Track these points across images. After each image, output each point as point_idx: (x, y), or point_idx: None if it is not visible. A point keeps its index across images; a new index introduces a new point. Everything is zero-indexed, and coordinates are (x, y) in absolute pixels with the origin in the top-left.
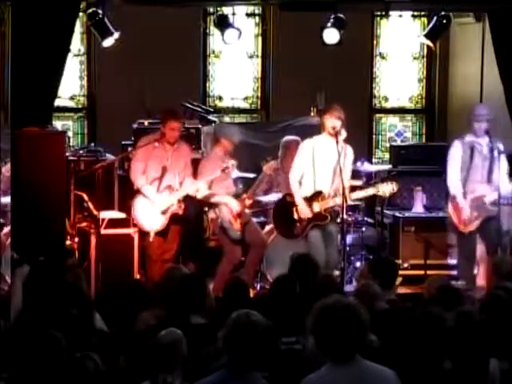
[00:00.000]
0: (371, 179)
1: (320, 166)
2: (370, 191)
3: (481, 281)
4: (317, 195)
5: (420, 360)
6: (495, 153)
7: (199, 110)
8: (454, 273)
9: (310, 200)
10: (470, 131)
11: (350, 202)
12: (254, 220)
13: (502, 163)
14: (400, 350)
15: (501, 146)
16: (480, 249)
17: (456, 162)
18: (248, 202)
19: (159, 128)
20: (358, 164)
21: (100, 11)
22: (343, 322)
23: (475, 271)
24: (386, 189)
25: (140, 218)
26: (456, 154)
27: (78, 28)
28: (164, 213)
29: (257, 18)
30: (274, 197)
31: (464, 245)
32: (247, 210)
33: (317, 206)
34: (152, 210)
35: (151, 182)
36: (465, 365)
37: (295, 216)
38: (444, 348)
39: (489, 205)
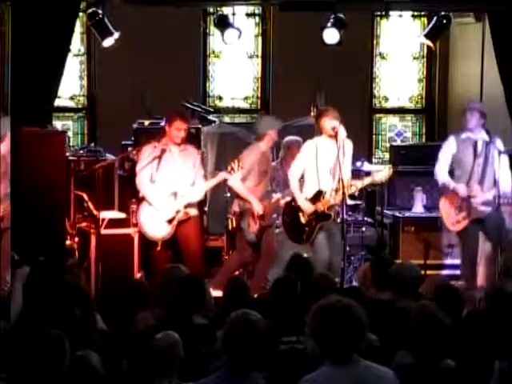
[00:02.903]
0: None
1: (322, 167)
2: (366, 181)
3: (481, 281)
4: (318, 195)
5: (420, 360)
6: (494, 152)
7: (199, 109)
8: (454, 273)
9: (312, 201)
10: (465, 128)
11: (349, 202)
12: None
13: (503, 161)
14: (399, 350)
15: (500, 145)
16: (481, 249)
17: (445, 157)
18: (282, 201)
19: (161, 128)
20: (358, 164)
21: (100, 11)
22: (342, 323)
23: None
24: (382, 175)
25: (145, 227)
26: (447, 149)
27: (78, 28)
28: (170, 222)
29: (257, 17)
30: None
31: (466, 244)
32: (274, 215)
33: (320, 206)
34: (157, 218)
35: (148, 171)
36: (468, 364)
37: (302, 221)
38: (444, 347)
39: (478, 206)
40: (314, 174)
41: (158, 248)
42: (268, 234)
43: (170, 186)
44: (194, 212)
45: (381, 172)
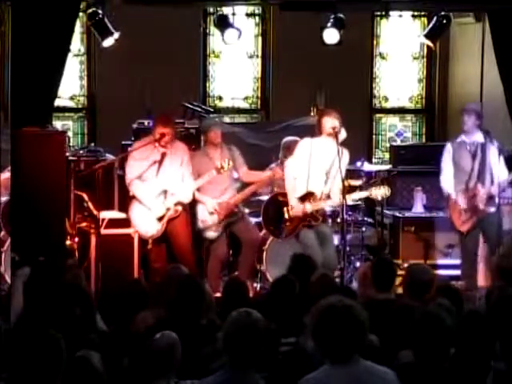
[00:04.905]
0: (371, 179)
1: (315, 168)
2: (363, 194)
3: (481, 281)
4: (308, 196)
5: (419, 359)
6: (491, 152)
7: (199, 109)
8: (454, 273)
9: (301, 200)
10: (462, 130)
11: (349, 201)
12: (252, 219)
13: (501, 162)
14: (399, 350)
15: (493, 147)
16: (481, 249)
17: (447, 165)
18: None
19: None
20: (358, 164)
21: (100, 11)
22: (342, 323)
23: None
24: (378, 192)
25: (136, 224)
26: (447, 157)
27: (78, 28)
28: (160, 219)
29: (257, 18)
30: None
31: (465, 244)
32: (246, 209)
33: (308, 207)
34: (148, 216)
35: (146, 179)
36: (466, 363)
37: (286, 216)
38: (444, 347)
39: (481, 203)
40: (305, 173)
41: (149, 246)
42: (242, 226)
43: (159, 184)
44: (180, 208)
45: (378, 190)
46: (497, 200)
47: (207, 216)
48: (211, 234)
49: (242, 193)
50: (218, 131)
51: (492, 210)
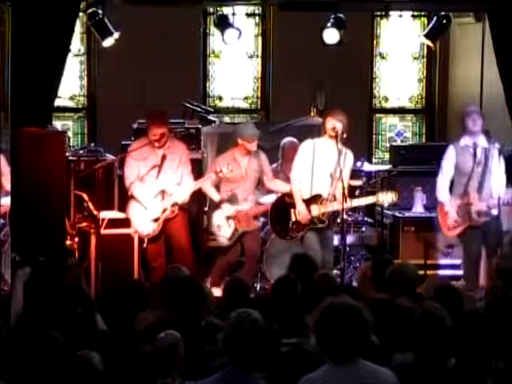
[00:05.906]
0: (371, 179)
1: (318, 169)
2: (370, 200)
3: (481, 281)
4: (316, 198)
5: (421, 359)
6: (494, 156)
7: (199, 109)
8: (454, 273)
9: (308, 202)
10: (465, 133)
11: (349, 205)
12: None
13: (501, 165)
14: (399, 350)
15: (496, 150)
16: (482, 249)
17: (447, 169)
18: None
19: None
20: (358, 164)
21: (100, 11)
22: (346, 323)
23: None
24: (386, 198)
25: (133, 224)
26: (448, 160)
27: (78, 28)
28: (156, 219)
29: (257, 17)
30: (273, 198)
31: (467, 247)
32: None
33: (315, 210)
34: (145, 216)
35: (146, 180)
36: (467, 364)
37: (293, 218)
38: (445, 347)
39: (474, 214)
40: (309, 176)
41: (145, 245)
42: (250, 239)
43: (158, 185)
44: (176, 208)
45: (386, 196)
46: (496, 212)
47: (223, 221)
48: (224, 242)
49: (262, 206)
50: (256, 141)
51: (483, 220)
